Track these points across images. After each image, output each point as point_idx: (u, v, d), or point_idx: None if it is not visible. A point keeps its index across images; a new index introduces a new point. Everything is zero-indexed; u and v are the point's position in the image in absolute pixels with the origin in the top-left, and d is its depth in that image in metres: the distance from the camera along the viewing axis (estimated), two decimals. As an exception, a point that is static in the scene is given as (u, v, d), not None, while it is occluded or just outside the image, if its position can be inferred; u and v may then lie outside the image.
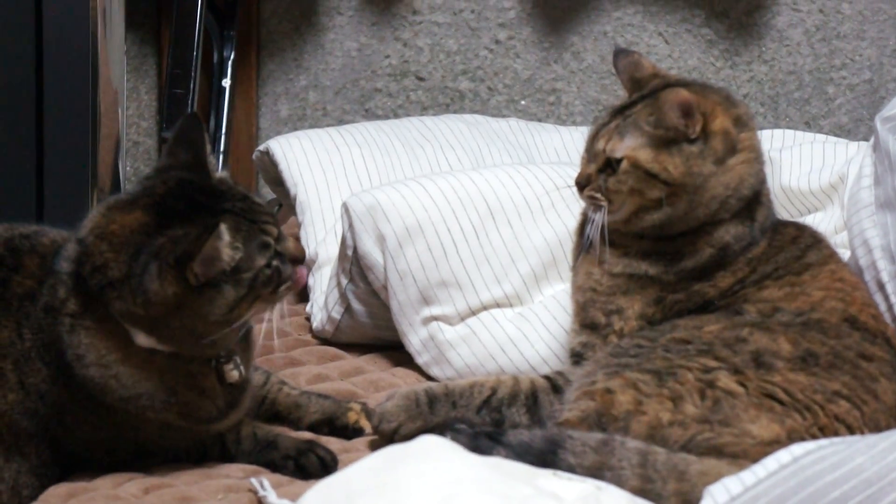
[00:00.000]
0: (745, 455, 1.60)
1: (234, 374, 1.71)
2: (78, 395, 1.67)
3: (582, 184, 1.80)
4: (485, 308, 2.01)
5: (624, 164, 1.76)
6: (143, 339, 1.66)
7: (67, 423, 1.69)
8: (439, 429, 1.68)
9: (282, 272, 1.69)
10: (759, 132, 1.84)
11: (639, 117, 1.76)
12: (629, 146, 1.76)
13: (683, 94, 1.73)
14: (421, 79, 3.23)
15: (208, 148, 1.73)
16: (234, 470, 1.70)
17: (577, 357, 1.82)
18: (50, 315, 1.68)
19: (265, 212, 1.70)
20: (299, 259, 1.72)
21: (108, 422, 1.69)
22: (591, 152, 1.81)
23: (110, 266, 1.64)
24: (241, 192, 1.71)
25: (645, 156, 1.75)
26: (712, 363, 1.68)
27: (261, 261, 1.67)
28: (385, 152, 2.30)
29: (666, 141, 1.75)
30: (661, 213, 1.77)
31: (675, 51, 3.16)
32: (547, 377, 1.82)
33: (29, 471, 1.70)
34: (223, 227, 1.63)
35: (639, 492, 1.55)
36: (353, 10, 3.21)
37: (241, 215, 1.67)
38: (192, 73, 2.96)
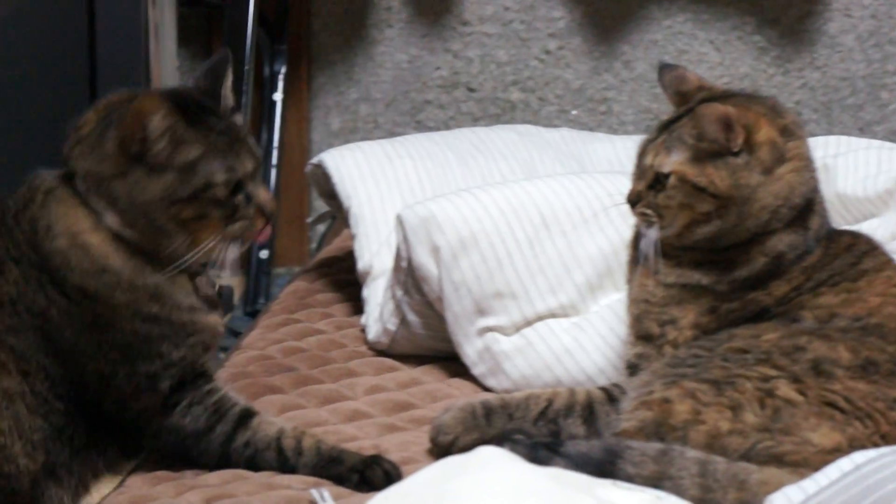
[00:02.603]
0: (805, 464, 1.59)
1: (205, 286, 1.78)
2: (50, 288, 1.70)
3: (633, 201, 1.81)
4: (540, 318, 2.00)
5: (672, 180, 1.76)
6: (109, 219, 1.71)
7: (55, 334, 1.70)
8: (497, 440, 1.67)
9: (239, 208, 1.73)
10: (809, 140, 1.83)
11: (683, 132, 1.76)
12: (676, 161, 1.76)
13: (719, 108, 1.73)
14: (472, 90, 3.24)
15: (229, 81, 1.79)
16: (295, 481, 1.70)
17: (632, 369, 1.82)
18: (26, 202, 1.73)
19: (249, 150, 1.75)
20: (266, 210, 1.75)
21: (85, 319, 1.70)
22: (640, 169, 1.82)
23: (85, 125, 1.74)
24: (236, 125, 1.76)
25: (691, 170, 1.75)
26: (771, 372, 1.67)
27: (219, 177, 1.71)
28: (437, 163, 2.30)
29: (711, 154, 1.75)
30: (711, 226, 1.76)
31: (727, 58, 3.15)
32: (603, 388, 1.82)
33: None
34: (162, 106, 1.67)
35: (699, 501, 1.54)
36: (404, 23, 3.22)
37: (220, 133, 1.72)
38: (244, 88, 2.98)
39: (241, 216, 1.74)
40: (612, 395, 1.80)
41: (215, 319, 1.80)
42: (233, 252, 1.76)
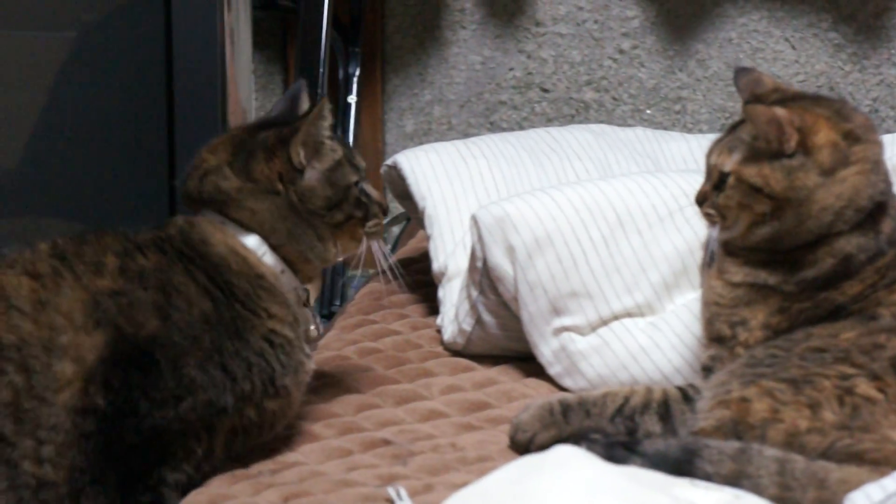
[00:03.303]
0: (886, 462, 1.57)
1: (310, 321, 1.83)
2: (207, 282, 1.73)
3: (699, 200, 1.81)
4: (616, 318, 2.00)
5: (731, 179, 1.77)
6: (250, 241, 1.77)
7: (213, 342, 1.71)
8: (574, 438, 1.68)
9: (370, 207, 1.82)
10: (880, 144, 1.81)
11: (742, 132, 1.77)
12: (735, 160, 1.77)
13: (768, 109, 1.74)
14: (545, 90, 3.23)
15: (306, 104, 1.86)
16: (371, 478, 1.71)
17: (707, 371, 1.82)
18: (176, 233, 1.77)
19: (358, 153, 1.86)
20: (384, 205, 1.86)
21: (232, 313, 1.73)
22: (707, 169, 1.83)
23: (208, 160, 1.80)
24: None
25: (748, 170, 1.75)
26: (850, 370, 1.66)
27: (352, 177, 1.81)
28: (512, 164, 2.30)
29: (767, 155, 1.75)
30: (770, 226, 1.76)
31: (802, 56, 3.12)
32: (679, 387, 1.82)
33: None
34: (325, 103, 1.78)
35: (777, 500, 1.53)
36: (477, 24, 3.23)
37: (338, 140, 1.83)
38: (319, 91, 2.99)
39: (373, 214, 1.83)
40: (687, 395, 1.79)
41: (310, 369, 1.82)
42: (374, 250, 1.85)
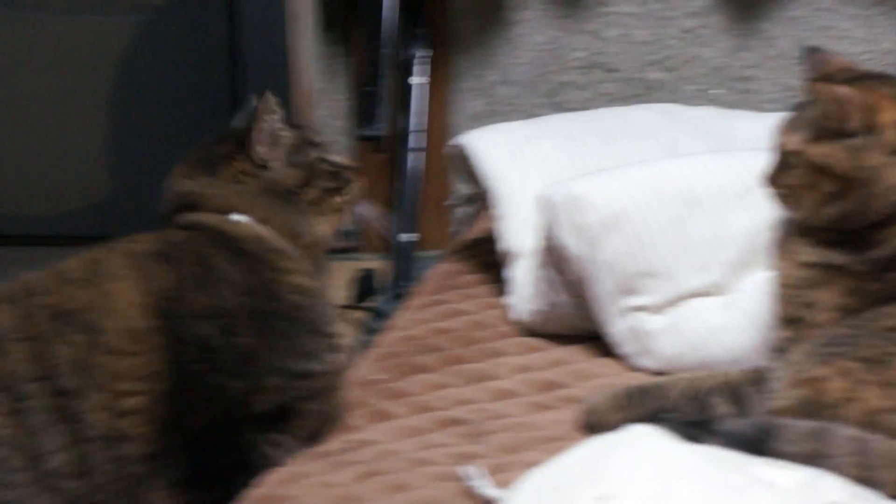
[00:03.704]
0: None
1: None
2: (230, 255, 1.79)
3: (767, 180, 1.80)
4: (686, 298, 2.00)
5: (797, 159, 1.76)
6: (238, 217, 1.86)
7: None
8: (648, 419, 1.68)
9: (340, 174, 1.92)
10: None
11: (809, 111, 1.76)
12: (801, 140, 1.76)
13: (830, 89, 1.73)
14: (610, 70, 3.23)
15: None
16: (445, 457, 1.72)
17: (778, 352, 1.81)
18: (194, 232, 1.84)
19: (313, 131, 1.96)
20: (353, 165, 1.95)
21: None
22: (774, 148, 1.81)
23: (174, 179, 1.89)
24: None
25: (814, 149, 1.75)
26: (924, 349, 1.65)
27: (313, 153, 1.90)
28: (578, 144, 2.30)
29: (833, 134, 1.74)
30: (837, 206, 1.75)
31: (871, 33, 3.10)
32: (748, 370, 1.81)
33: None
34: (267, 98, 1.87)
35: (856, 480, 1.52)
36: (542, 4, 3.22)
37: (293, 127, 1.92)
38: (385, 72, 3.00)
39: (346, 179, 1.92)
40: (756, 378, 1.79)
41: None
42: (362, 214, 1.96)
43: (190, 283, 1.74)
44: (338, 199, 1.92)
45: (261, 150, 1.87)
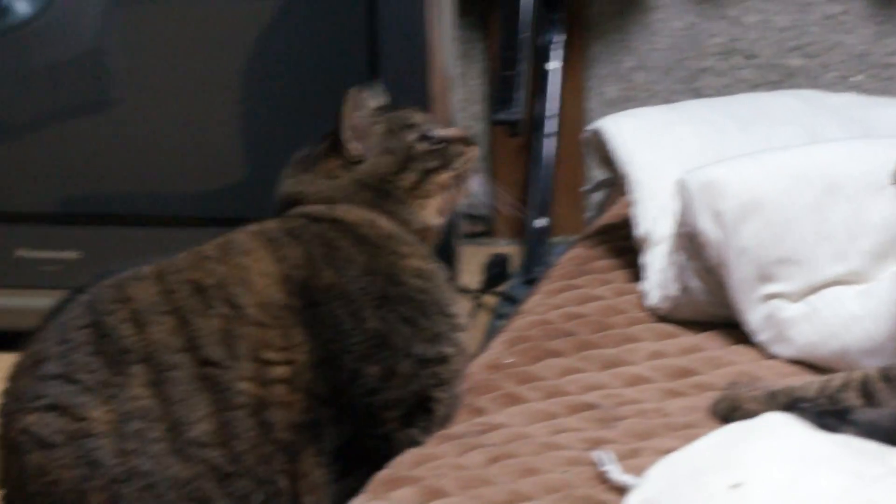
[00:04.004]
0: None
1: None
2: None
3: None
4: (826, 285, 1.96)
5: None
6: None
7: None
8: (783, 408, 1.65)
9: (447, 150, 1.88)
10: None
11: None
12: None
13: None
14: (750, 56, 3.19)
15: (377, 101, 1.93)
16: (577, 442, 1.71)
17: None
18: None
19: (413, 110, 1.92)
20: (463, 135, 1.92)
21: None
22: None
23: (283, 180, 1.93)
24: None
25: None
26: None
27: (409, 136, 1.87)
28: (717, 129, 2.27)
29: None
30: None
31: None
32: (879, 368, 1.77)
33: None
34: (350, 95, 1.85)
35: None
36: (680, -11, 3.20)
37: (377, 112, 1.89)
38: (522, 56, 2.99)
39: (454, 154, 1.88)
40: (888, 375, 1.75)
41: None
42: (474, 189, 1.90)
43: (319, 259, 1.77)
44: (444, 177, 1.89)
45: (350, 146, 1.86)
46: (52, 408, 1.66)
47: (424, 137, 1.89)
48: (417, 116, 1.91)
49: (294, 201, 1.87)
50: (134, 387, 1.66)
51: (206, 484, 1.65)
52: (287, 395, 1.69)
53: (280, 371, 1.70)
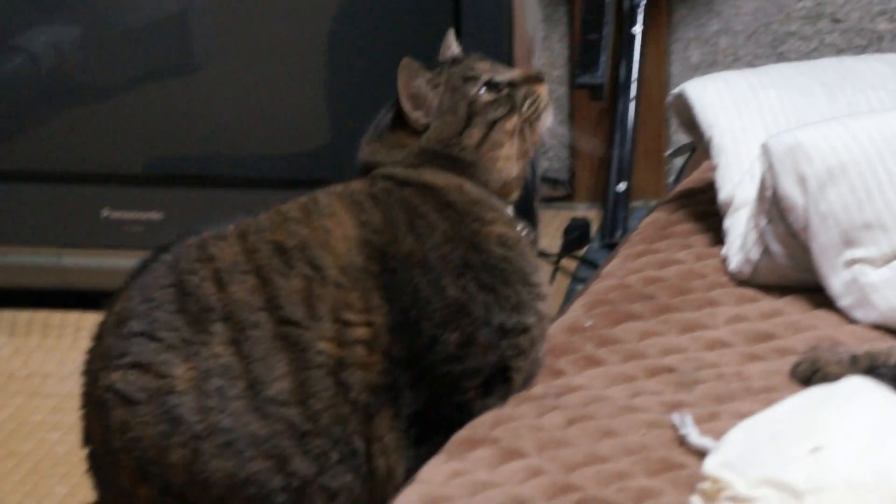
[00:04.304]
0: None
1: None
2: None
3: None
4: (911, 251, 1.94)
5: None
6: None
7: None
8: (863, 373, 1.64)
9: (513, 94, 1.83)
10: None
11: None
12: None
13: None
14: (836, 20, 3.15)
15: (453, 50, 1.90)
16: (655, 405, 1.71)
17: None
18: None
19: (477, 58, 1.86)
20: (530, 74, 1.87)
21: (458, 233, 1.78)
22: None
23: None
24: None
25: None
26: None
27: (471, 90, 1.82)
28: (802, 94, 2.25)
29: None
30: None
31: None
32: None
33: None
34: (404, 65, 1.80)
35: None
36: (766, -48, 3.16)
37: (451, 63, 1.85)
38: (606, 19, 2.98)
39: (524, 96, 1.83)
40: None
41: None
42: (546, 125, 1.85)
43: (400, 226, 1.76)
44: (511, 122, 1.82)
45: (412, 117, 1.82)
46: (136, 365, 1.68)
47: (488, 85, 1.83)
48: (481, 65, 1.85)
49: (372, 167, 1.86)
50: (215, 345, 1.67)
51: (284, 441, 1.66)
52: (366, 356, 1.69)
53: (359, 332, 1.70)
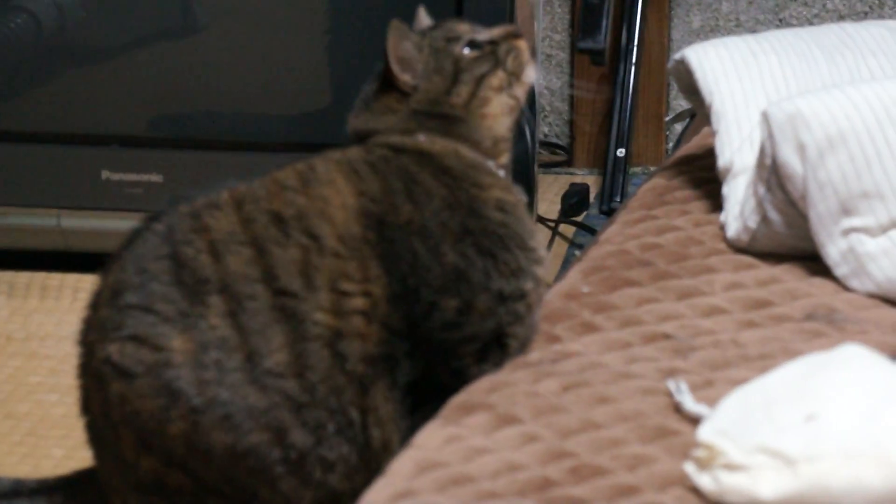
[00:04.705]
0: None
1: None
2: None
3: None
4: (909, 220, 1.94)
5: None
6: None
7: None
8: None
9: (495, 51, 1.83)
10: None
11: None
12: None
13: None
14: (839, -14, 3.13)
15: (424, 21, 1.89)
16: (651, 371, 1.71)
17: None
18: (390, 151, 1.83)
19: (457, 22, 1.86)
20: (509, 30, 1.86)
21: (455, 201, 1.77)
22: None
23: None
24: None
25: None
26: None
27: (455, 48, 1.81)
28: (803, 60, 2.24)
29: None
30: None
31: None
32: None
33: None
34: (392, 27, 1.79)
35: None
36: (770, -84, 3.15)
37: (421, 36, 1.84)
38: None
39: (504, 52, 1.83)
40: None
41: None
42: (530, 77, 1.85)
43: (398, 194, 1.75)
44: (497, 77, 1.82)
45: (401, 79, 1.81)
46: (133, 338, 1.67)
47: (471, 44, 1.83)
48: (461, 27, 1.85)
49: (365, 136, 1.84)
50: (211, 317, 1.67)
51: (282, 413, 1.66)
52: (363, 326, 1.69)
53: (357, 302, 1.70)
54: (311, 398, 1.68)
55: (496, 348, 1.76)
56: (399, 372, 1.72)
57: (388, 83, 1.83)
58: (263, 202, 1.73)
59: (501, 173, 1.84)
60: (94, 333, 1.72)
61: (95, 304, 1.74)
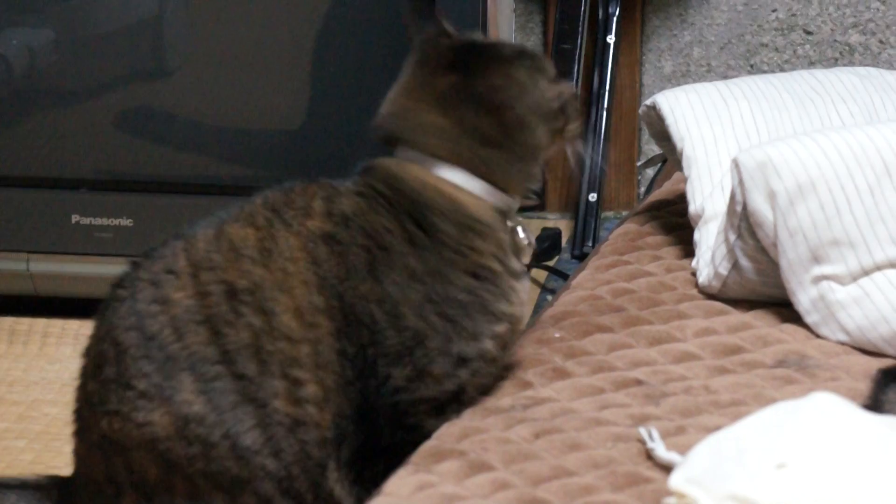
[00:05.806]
0: None
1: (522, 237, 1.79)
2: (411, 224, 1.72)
3: None
4: (878, 268, 1.94)
5: None
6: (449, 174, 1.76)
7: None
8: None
9: (564, 109, 1.78)
10: None
11: None
12: None
13: None
14: (809, 32, 3.16)
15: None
16: (623, 417, 1.70)
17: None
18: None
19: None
20: (567, 92, 1.80)
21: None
22: None
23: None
24: None
25: None
26: None
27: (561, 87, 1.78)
28: (774, 106, 2.25)
29: None
30: None
31: None
32: None
33: None
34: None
35: None
36: (740, -36, 3.17)
37: None
38: (580, 29, 2.98)
39: (572, 113, 1.79)
40: None
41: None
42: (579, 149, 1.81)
43: (359, 271, 1.70)
44: (575, 126, 1.81)
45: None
46: (116, 413, 1.68)
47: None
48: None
49: (390, 140, 1.76)
50: (186, 392, 1.66)
51: (266, 486, 1.67)
52: (317, 414, 1.68)
53: (310, 390, 1.67)
54: (288, 475, 1.68)
55: (454, 403, 1.75)
56: (347, 448, 1.70)
57: (450, 97, 1.72)
58: (219, 271, 1.68)
59: (515, 207, 1.79)
60: (85, 408, 1.73)
61: (84, 376, 1.74)
